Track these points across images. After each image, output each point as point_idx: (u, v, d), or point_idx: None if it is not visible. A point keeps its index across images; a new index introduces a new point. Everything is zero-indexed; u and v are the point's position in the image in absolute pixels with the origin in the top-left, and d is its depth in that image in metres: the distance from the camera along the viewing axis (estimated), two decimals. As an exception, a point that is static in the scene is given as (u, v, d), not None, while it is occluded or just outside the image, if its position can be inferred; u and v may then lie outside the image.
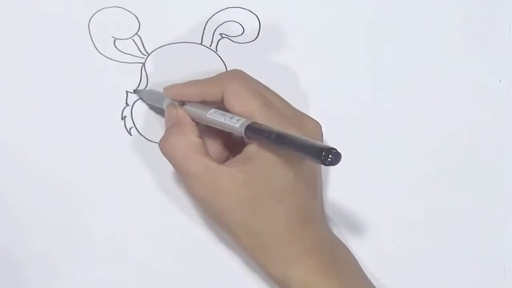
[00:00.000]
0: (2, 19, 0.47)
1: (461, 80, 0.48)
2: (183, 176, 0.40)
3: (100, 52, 0.47)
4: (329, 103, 0.47)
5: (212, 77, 0.42)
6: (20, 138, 0.45)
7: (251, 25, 0.48)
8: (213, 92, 0.40)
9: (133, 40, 0.47)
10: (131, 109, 0.46)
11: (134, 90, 0.46)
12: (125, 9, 0.47)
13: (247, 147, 0.39)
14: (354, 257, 0.43)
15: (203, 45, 0.47)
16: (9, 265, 0.44)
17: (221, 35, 0.47)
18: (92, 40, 0.47)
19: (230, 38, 0.47)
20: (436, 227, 0.46)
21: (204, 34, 0.47)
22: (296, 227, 0.39)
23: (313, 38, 0.48)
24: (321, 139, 0.42)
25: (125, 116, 0.46)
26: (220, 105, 0.40)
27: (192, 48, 0.47)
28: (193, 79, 0.46)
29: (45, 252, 0.44)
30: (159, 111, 0.46)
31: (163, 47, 0.47)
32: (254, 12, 0.48)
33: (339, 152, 0.32)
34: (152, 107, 0.46)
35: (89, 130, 0.46)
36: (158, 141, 0.45)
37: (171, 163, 0.40)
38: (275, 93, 0.42)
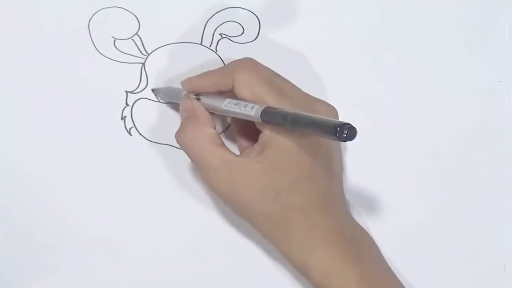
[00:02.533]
0: (2, 19, 0.47)
1: (461, 80, 0.48)
2: (201, 168, 0.40)
3: (100, 52, 0.47)
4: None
5: (223, 67, 0.42)
6: (20, 138, 0.45)
7: (251, 25, 0.48)
8: (225, 82, 0.41)
9: (133, 40, 0.47)
10: (131, 109, 0.46)
11: (152, 89, 0.46)
12: (125, 9, 0.47)
13: (262, 135, 0.39)
14: (374, 242, 0.43)
15: (203, 45, 0.47)
16: (8, 264, 0.44)
17: (221, 35, 0.47)
18: (92, 40, 0.47)
19: (230, 38, 0.47)
20: (436, 227, 0.46)
21: (204, 34, 0.47)
22: (315, 214, 0.39)
23: (313, 38, 0.48)
24: None
25: (125, 116, 0.46)
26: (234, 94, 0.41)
27: (192, 48, 0.47)
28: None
29: (45, 252, 0.44)
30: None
31: (163, 47, 0.47)
32: (254, 12, 0.48)
33: (354, 127, 0.32)
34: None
35: (89, 130, 0.46)
36: (157, 141, 0.46)
37: (188, 154, 0.41)
38: (286, 80, 0.42)
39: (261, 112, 0.37)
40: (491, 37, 0.49)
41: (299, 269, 0.40)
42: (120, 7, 0.47)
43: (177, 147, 0.46)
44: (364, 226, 0.43)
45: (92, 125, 0.46)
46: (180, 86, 0.43)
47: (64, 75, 0.46)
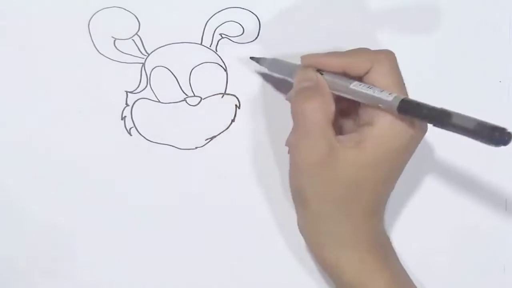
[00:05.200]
0: (2, 19, 0.47)
1: (461, 80, 0.48)
2: (305, 140, 0.39)
3: (100, 52, 0.47)
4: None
5: (357, 51, 0.41)
6: (20, 138, 0.45)
7: (251, 25, 0.48)
8: (360, 66, 0.39)
9: (133, 40, 0.47)
10: (131, 109, 0.46)
11: (251, 58, 0.46)
12: (125, 9, 0.47)
13: (364, 129, 0.39)
14: (396, 255, 0.43)
15: (203, 45, 0.47)
16: (8, 264, 0.44)
17: (221, 35, 0.47)
18: (92, 40, 0.47)
19: (230, 38, 0.47)
20: (436, 227, 0.46)
21: (204, 34, 0.47)
22: (365, 218, 0.40)
23: (313, 38, 0.48)
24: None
25: (125, 116, 0.46)
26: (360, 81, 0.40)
27: (192, 48, 0.47)
28: (193, 79, 0.47)
29: (45, 252, 0.44)
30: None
31: (163, 47, 0.47)
32: (254, 12, 0.48)
33: (510, 133, 0.32)
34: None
35: (89, 130, 0.46)
36: (157, 141, 0.46)
37: (300, 123, 0.39)
38: None
39: (400, 101, 0.36)
40: (491, 37, 0.49)
41: (329, 265, 0.40)
42: (120, 7, 0.47)
43: (177, 147, 0.46)
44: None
45: (92, 125, 0.46)
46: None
47: (64, 75, 0.46)
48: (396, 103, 0.37)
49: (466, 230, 0.46)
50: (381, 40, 0.48)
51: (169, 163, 0.46)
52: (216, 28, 0.47)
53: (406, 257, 0.45)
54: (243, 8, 0.48)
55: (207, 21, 0.47)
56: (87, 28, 0.47)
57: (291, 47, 0.48)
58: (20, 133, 0.45)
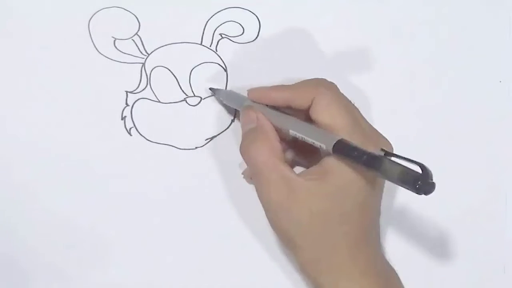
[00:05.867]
0: (3, 19, 0.47)
1: (461, 80, 0.48)
2: (261, 182, 0.39)
3: (100, 52, 0.47)
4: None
5: (300, 84, 0.41)
6: (20, 138, 0.45)
7: (251, 25, 0.48)
8: (302, 100, 0.40)
9: (133, 40, 0.47)
10: (131, 109, 0.46)
11: (210, 88, 0.46)
12: (125, 9, 0.47)
13: (325, 160, 0.39)
14: (400, 279, 0.42)
15: (203, 45, 0.47)
16: (10, 265, 0.44)
17: (221, 35, 0.47)
18: (92, 40, 0.47)
19: (230, 38, 0.47)
20: (436, 227, 0.46)
21: (204, 34, 0.47)
22: (356, 246, 0.39)
23: (313, 38, 0.48)
24: None
25: (125, 116, 0.46)
26: (302, 113, 0.40)
27: (192, 48, 0.47)
28: (194, 79, 0.47)
29: (45, 252, 0.44)
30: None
31: (163, 47, 0.47)
32: (254, 12, 0.48)
33: (434, 183, 0.33)
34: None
35: (89, 130, 0.46)
36: (157, 141, 0.46)
37: (251, 167, 0.40)
38: (357, 108, 0.41)
39: (334, 145, 0.37)
40: (491, 37, 0.49)
41: None
42: (120, 7, 0.47)
43: (177, 147, 0.46)
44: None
45: (92, 125, 0.46)
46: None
47: (64, 75, 0.46)
48: (330, 146, 0.37)
49: (466, 230, 0.46)
50: (382, 38, 0.48)
51: (169, 163, 0.46)
52: (216, 28, 0.47)
53: (406, 256, 0.45)
54: (243, 8, 0.48)
55: (207, 21, 0.47)
56: (87, 28, 0.47)
57: (291, 47, 0.48)
58: (20, 133, 0.45)
